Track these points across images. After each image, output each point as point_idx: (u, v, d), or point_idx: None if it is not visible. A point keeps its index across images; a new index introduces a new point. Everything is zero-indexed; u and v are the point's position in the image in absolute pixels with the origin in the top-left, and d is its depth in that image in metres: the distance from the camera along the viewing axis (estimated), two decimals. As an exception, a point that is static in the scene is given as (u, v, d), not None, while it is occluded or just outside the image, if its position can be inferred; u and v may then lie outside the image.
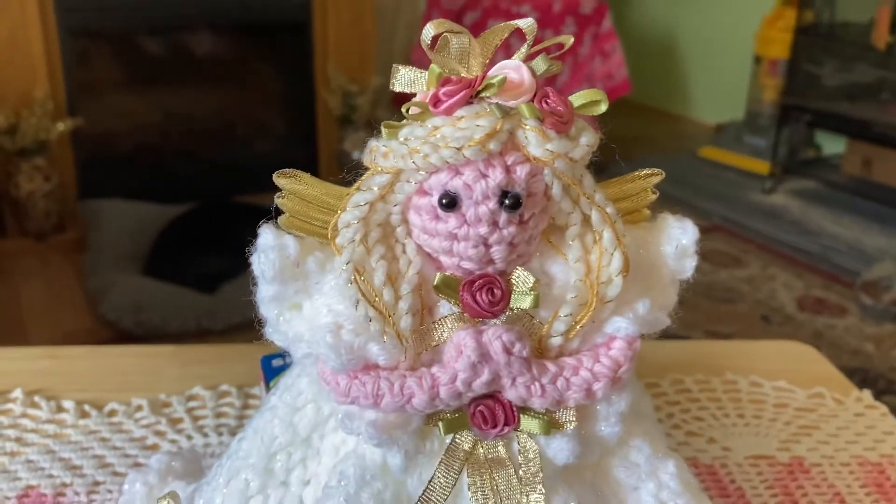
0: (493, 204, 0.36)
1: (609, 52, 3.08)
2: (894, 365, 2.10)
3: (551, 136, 0.36)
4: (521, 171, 0.36)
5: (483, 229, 0.37)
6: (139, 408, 0.70)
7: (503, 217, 0.37)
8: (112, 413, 0.69)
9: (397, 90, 0.38)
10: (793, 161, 3.27)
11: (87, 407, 0.69)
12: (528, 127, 0.36)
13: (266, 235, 0.39)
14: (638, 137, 3.62)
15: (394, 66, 0.38)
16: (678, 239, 0.41)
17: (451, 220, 0.37)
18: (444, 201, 0.37)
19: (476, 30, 0.37)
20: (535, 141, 0.36)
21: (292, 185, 0.39)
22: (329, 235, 0.39)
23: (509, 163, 0.36)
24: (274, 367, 0.59)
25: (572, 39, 0.36)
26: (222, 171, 2.85)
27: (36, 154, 2.44)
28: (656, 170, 0.40)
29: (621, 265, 0.38)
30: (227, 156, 2.91)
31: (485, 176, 0.36)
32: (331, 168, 2.87)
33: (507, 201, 0.36)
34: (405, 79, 0.38)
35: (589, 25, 3.03)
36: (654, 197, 0.41)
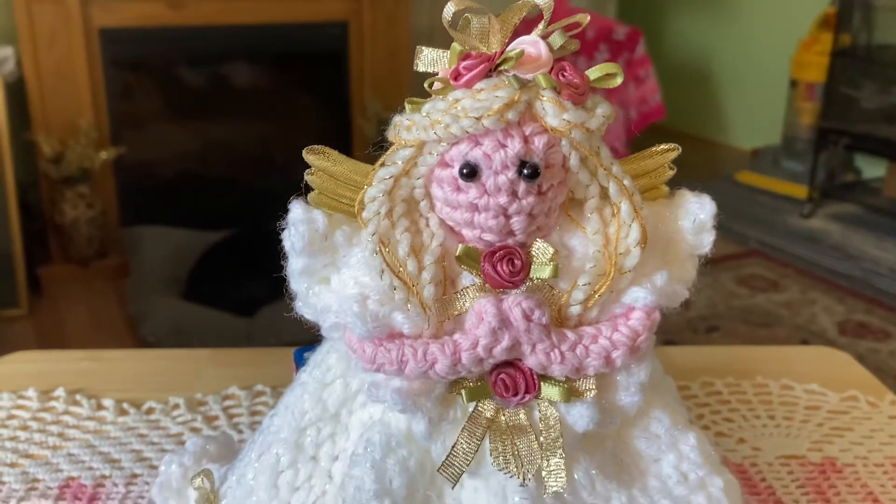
0: (511, 173, 0.38)
1: (643, 78, 3.09)
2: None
3: (568, 106, 0.37)
4: (538, 142, 0.38)
5: (503, 199, 0.38)
6: (176, 406, 0.71)
7: (522, 187, 0.38)
8: (150, 411, 0.71)
9: (420, 70, 0.40)
10: (831, 185, 3.23)
11: (125, 405, 0.71)
12: (545, 98, 0.37)
13: (296, 210, 0.40)
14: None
15: (417, 47, 0.39)
16: (696, 214, 0.42)
17: (472, 191, 0.38)
18: (464, 171, 0.38)
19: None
20: (551, 111, 0.37)
21: (321, 162, 0.41)
22: (356, 210, 0.40)
23: (527, 133, 0.38)
24: (306, 359, 0.60)
25: (588, 17, 0.37)
26: (260, 199, 2.88)
27: (80, 182, 2.50)
28: (672, 144, 0.41)
29: (639, 237, 0.39)
30: (265, 184, 2.95)
31: (503, 146, 0.37)
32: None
33: (525, 171, 0.38)
34: (428, 59, 0.39)
35: (622, 52, 3.04)
36: (671, 173, 0.42)
